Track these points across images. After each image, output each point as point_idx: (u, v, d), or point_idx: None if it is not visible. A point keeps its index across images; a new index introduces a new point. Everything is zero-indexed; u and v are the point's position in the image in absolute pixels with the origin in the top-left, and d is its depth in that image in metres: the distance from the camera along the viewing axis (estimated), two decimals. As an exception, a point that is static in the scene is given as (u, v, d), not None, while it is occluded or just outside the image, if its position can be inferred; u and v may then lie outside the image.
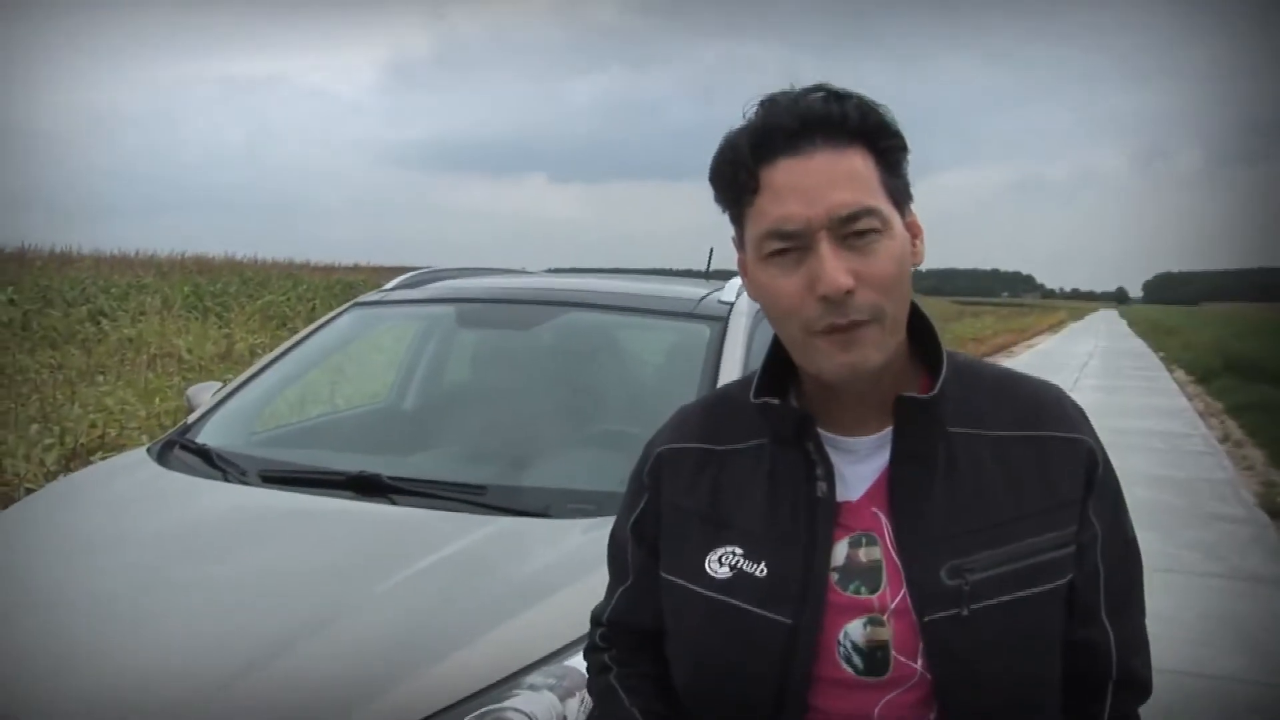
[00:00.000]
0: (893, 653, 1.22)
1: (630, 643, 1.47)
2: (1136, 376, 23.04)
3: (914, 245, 1.27)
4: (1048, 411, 1.32)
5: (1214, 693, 4.76)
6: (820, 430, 1.30)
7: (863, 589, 1.25)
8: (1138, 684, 1.36)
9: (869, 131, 1.22)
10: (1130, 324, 67.91)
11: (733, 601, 1.28)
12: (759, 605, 1.26)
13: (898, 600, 1.23)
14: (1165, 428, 13.80)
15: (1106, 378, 21.43)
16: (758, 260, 1.24)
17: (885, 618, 1.23)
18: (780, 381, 1.34)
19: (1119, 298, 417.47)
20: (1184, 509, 8.42)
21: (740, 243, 1.29)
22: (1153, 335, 47.06)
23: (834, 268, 1.17)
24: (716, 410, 1.43)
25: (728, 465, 1.36)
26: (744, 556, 1.29)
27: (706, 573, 1.30)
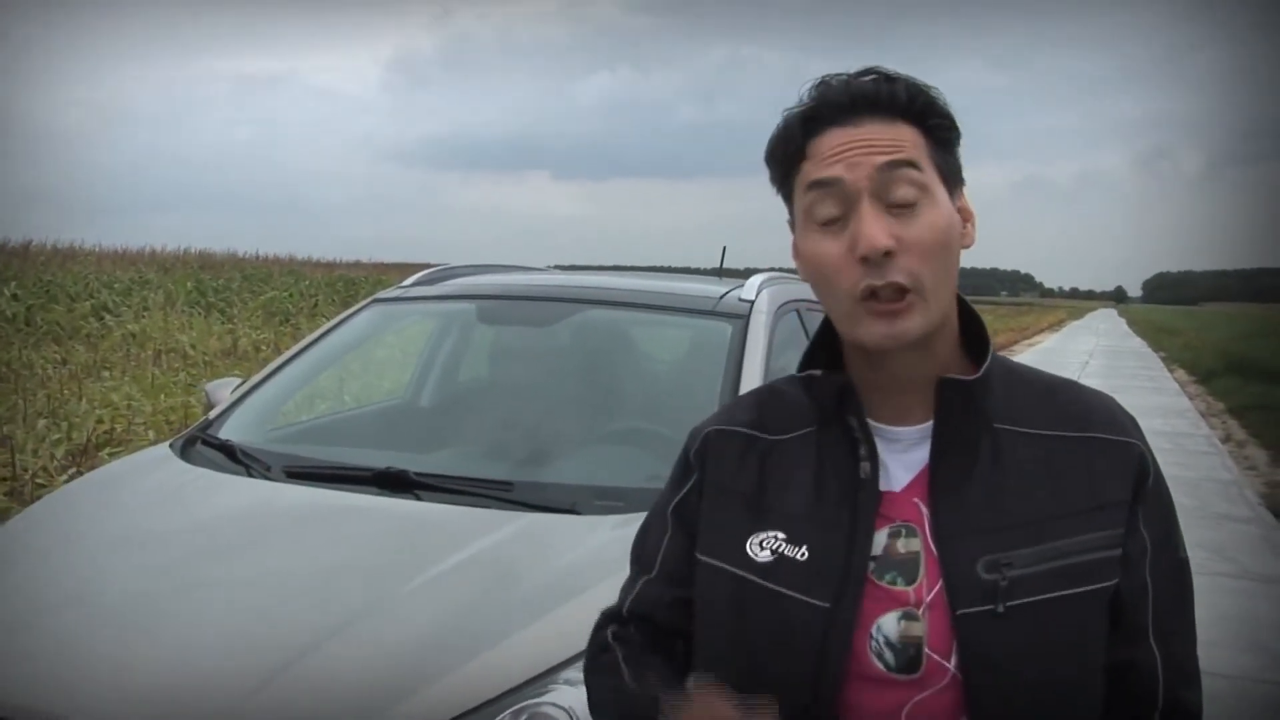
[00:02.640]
0: (926, 650, 1.19)
1: (644, 639, 1.40)
2: (1139, 376, 23.06)
3: (965, 228, 1.27)
4: (1098, 415, 1.29)
5: (1224, 692, 4.76)
6: (866, 419, 1.28)
7: (899, 580, 1.21)
8: (1187, 715, 1.28)
9: (918, 110, 1.23)
10: (1130, 323, 67.92)
11: (771, 585, 1.24)
12: (798, 590, 1.23)
13: (934, 594, 1.20)
14: (1169, 427, 13.81)
15: (1108, 377, 21.41)
16: (805, 230, 1.25)
17: (920, 612, 1.20)
18: (830, 364, 1.34)
19: (1118, 297, 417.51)
20: (1193, 509, 8.43)
21: (792, 223, 1.30)
22: (1152, 335, 47.07)
23: (873, 227, 1.17)
24: (766, 401, 1.41)
25: (774, 453, 1.33)
26: (786, 541, 1.26)
27: (747, 554, 1.27)
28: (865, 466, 1.26)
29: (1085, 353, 30.49)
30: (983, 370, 1.25)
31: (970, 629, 1.18)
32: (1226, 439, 13.39)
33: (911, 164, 1.20)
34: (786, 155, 1.26)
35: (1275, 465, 11.38)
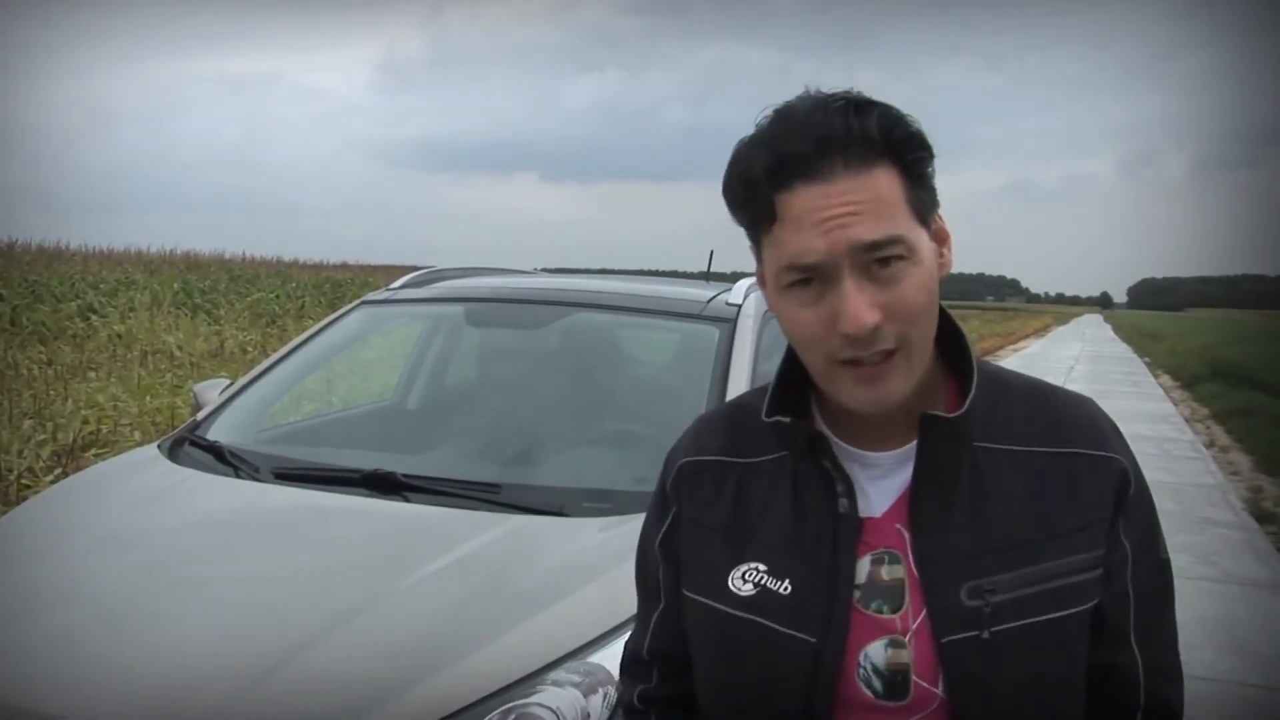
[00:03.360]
0: (913, 677, 1.18)
1: (672, 676, 1.41)
2: (1123, 381, 23.13)
3: (942, 254, 1.21)
4: (1079, 427, 1.26)
5: (1207, 695, 4.80)
6: (843, 444, 1.26)
7: (884, 608, 1.20)
8: (1168, 714, 1.30)
9: (893, 147, 1.13)
10: (1115, 329, 68.18)
11: (758, 620, 1.23)
12: (784, 624, 1.22)
13: (919, 621, 1.19)
14: (1154, 432, 13.87)
15: (1094, 382, 21.49)
16: (778, 289, 1.19)
17: (906, 639, 1.19)
18: (797, 393, 1.30)
19: (1103, 303, 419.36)
20: (1176, 513, 8.47)
21: (757, 255, 1.23)
22: (1137, 340, 47.24)
23: (857, 306, 1.11)
24: (737, 420, 1.37)
25: (750, 478, 1.31)
26: (768, 573, 1.25)
27: (730, 590, 1.26)
28: (844, 502, 1.24)
29: (1071, 358, 30.54)
30: (966, 405, 1.22)
31: (955, 655, 1.17)
32: (1210, 444, 13.46)
33: (894, 240, 1.12)
34: (753, 207, 1.17)
35: (1258, 470, 11.45)
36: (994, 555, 1.19)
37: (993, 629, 1.16)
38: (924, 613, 1.19)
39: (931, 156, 1.18)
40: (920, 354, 1.18)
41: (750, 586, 1.25)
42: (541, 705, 2.04)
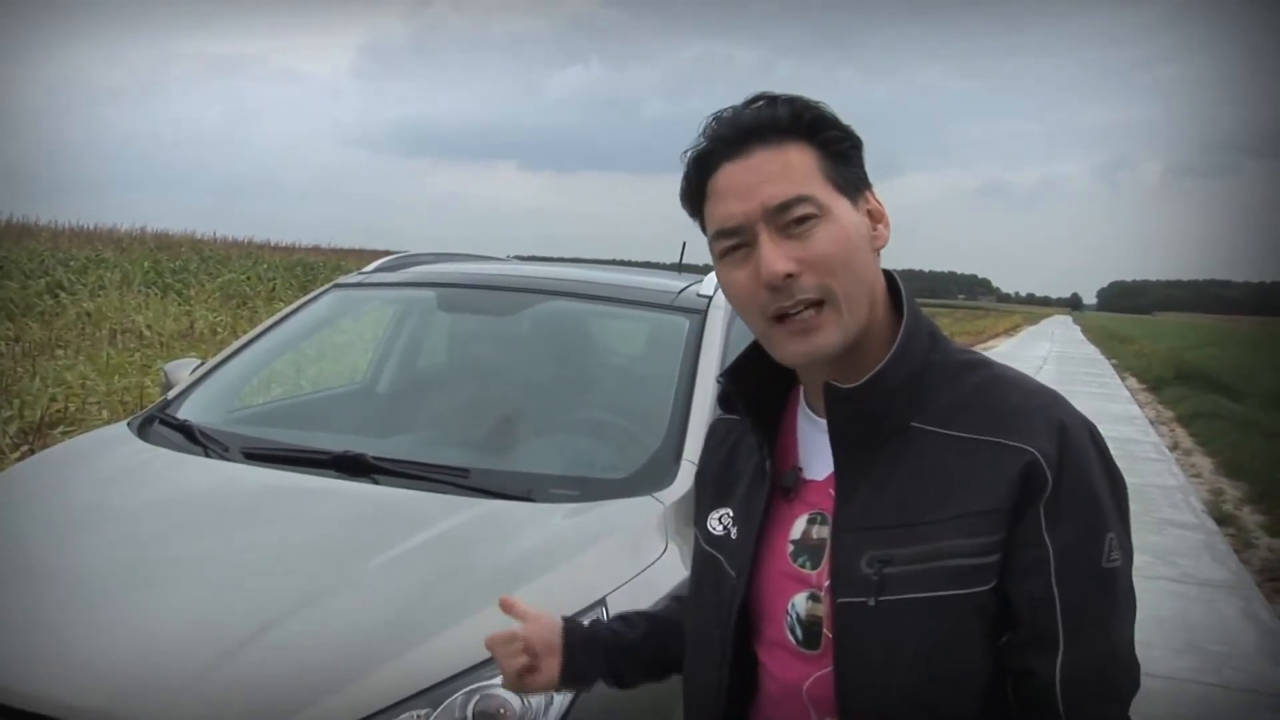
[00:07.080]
0: (825, 630, 1.29)
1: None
2: (1090, 382, 23.31)
3: (875, 229, 1.31)
4: (1008, 419, 1.25)
5: (1162, 692, 4.87)
6: (807, 408, 1.39)
7: (807, 564, 1.33)
8: None
9: (805, 127, 1.28)
10: (1084, 330, 68.60)
11: (716, 555, 1.43)
12: (728, 563, 1.40)
13: (830, 581, 1.29)
14: (1118, 433, 13.98)
15: (1061, 383, 21.61)
16: (717, 260, 1.33)
17: (822, 595, 1.30)
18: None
19: (1073, 304, 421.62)
20: (1137, 514, 8.51)
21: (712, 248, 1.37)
22: (1106, 342, 47.53)
23: (771, 255, 1.24)
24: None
25: (744, 439, 1.46)
26: (732, 520, 1.42)
27: (707, 528, 1.46)
28: (786, 478, 1.39)
29: (1040, 358, 30.72)
30: (865, 379, 1.28)
31: (845, 619, 1.26)
32: (1174, 447, 13.62)
33: (802, 199, 1.25)
34: (690, 196, 1.34)
35: (1219, 473, 11.61)
36: (898, 530, 1.25)
37: (880, 598, 1.24)
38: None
39: (850, 141, 1.31)
40: (851, 309, 1.27)
41: (720, 528, 1.44)
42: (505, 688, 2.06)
